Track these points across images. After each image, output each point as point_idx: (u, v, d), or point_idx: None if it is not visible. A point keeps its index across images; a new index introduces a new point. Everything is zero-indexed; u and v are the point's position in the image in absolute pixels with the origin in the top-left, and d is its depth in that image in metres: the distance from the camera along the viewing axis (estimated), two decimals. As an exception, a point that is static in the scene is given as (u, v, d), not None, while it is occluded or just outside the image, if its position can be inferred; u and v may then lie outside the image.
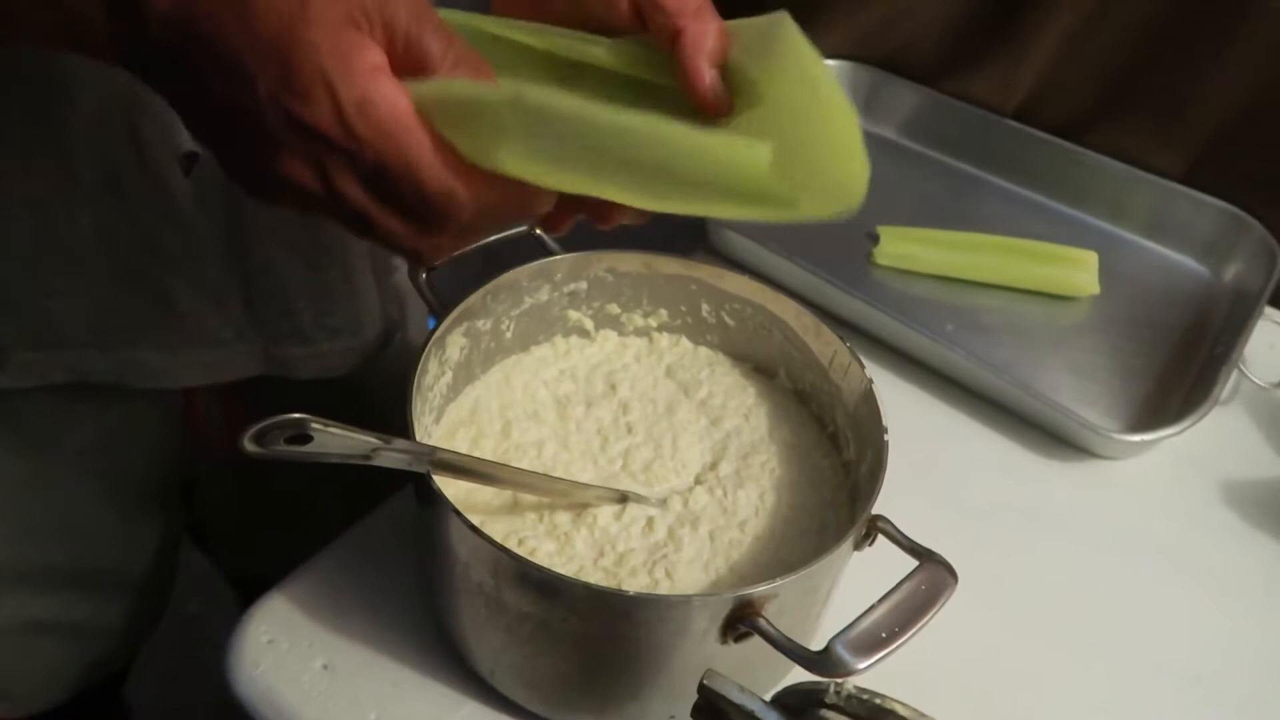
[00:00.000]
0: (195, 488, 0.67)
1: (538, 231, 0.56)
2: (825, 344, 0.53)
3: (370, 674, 0.50)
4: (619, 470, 0.53)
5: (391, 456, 0.40)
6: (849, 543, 0.43)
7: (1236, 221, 0.78)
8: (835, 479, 0.53)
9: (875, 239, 0.78)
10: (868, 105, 0.91)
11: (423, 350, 0.48)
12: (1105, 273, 0.76)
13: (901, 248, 0.77)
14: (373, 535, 0.55)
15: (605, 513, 0.50)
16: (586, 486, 0.50)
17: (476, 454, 0.52)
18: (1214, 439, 0.65)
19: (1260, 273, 0.74)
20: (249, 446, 0.35)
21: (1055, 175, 0.85)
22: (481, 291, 0.53)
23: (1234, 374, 0.66)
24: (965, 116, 0.88)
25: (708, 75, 0.35)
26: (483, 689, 0.49)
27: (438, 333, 0.50)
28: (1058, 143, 0.84)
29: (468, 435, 0.53)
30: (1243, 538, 0.61)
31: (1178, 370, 0.71)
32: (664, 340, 0.60)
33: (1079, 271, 0.75)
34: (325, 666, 0.50)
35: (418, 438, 0.45)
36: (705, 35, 0.35)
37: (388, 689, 0.49)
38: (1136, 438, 0.61)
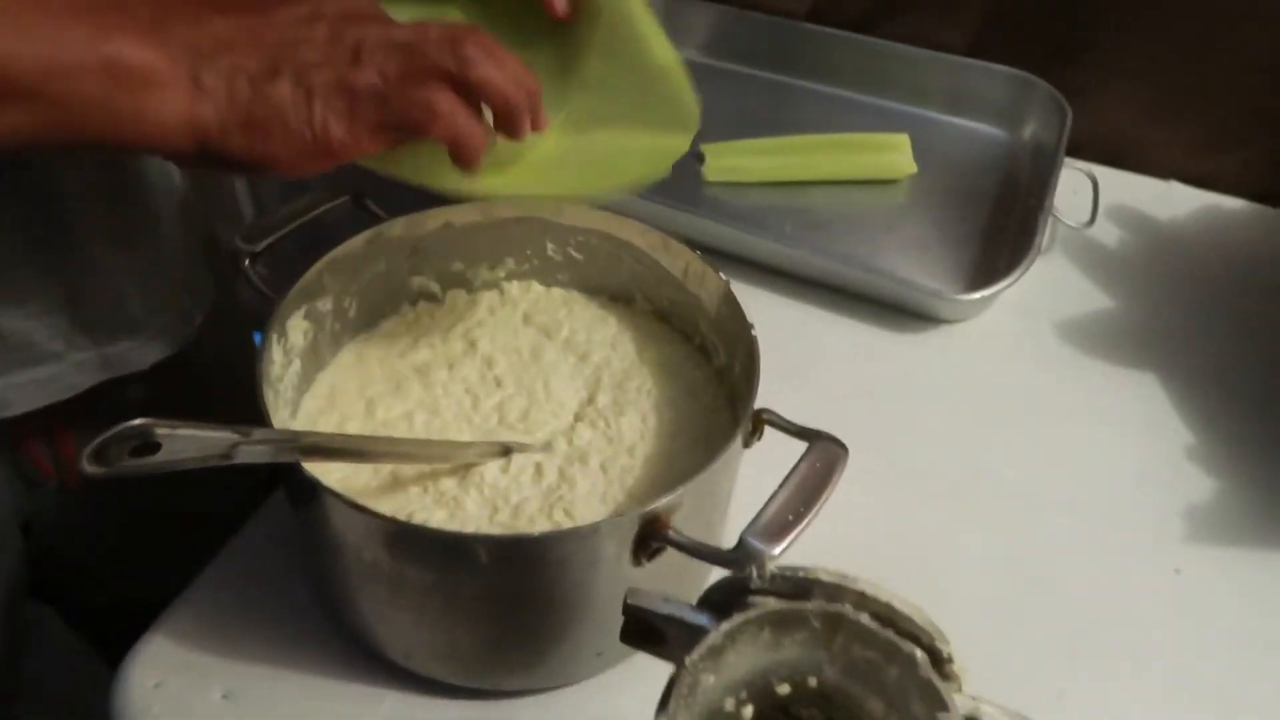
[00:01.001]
0: (32, 530, 0.61)
1: (363, 200, 0.53)
2: (675, 257, 0.53)
3: (278, 691, 0.47)
4: (496, 425, 0.51)
5: (254, 450, 0.37)
6: (738, 440, 0.43)
7: (1024, 83, 0.82)
8: (711, 387, 0.53)
9: (702, 158, 0.79)
10: (667, 30, 0.91)
11: (264, 338, 0.45)
12: (918, 152, 0.79)
13: (728, 161, 0.78)
14: (250, 548, 0.52)
15: (491, 469, 0.48)
16: (466, 444, 0.48)
17: (344, 439, 0.50)
18: (1042, 285, 0.69)
19: (1053, 127, 0.79)
20: (90, 467, 0.31)
21: (856, 69, 0.87)
22: (316, 268, 0.49)
23: (1049, 222, 0.70)
24: (763, 26, 0.89)
25: None
26: (401, 677, 0.47)
27: (276, 317, 0.46)
28: (853, 37, 0.87)
29: (330, 423, 0.50)
30: (1081, 369, 0.65)
31: (999, 229, 0.75)
32: (515, 288, 0.58)
33: (895, 154, 0.78)
34: (225, 696, 0.47)
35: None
36: None
37: (300, 702, 0.47)
38: (976, 295, 0.65)
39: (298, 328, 0.49)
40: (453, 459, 0.47)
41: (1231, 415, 0.62)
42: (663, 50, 0.52)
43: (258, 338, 0.46)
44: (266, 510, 0.53)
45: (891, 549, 0.53)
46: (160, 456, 0.33)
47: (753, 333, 0.47)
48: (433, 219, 0.54)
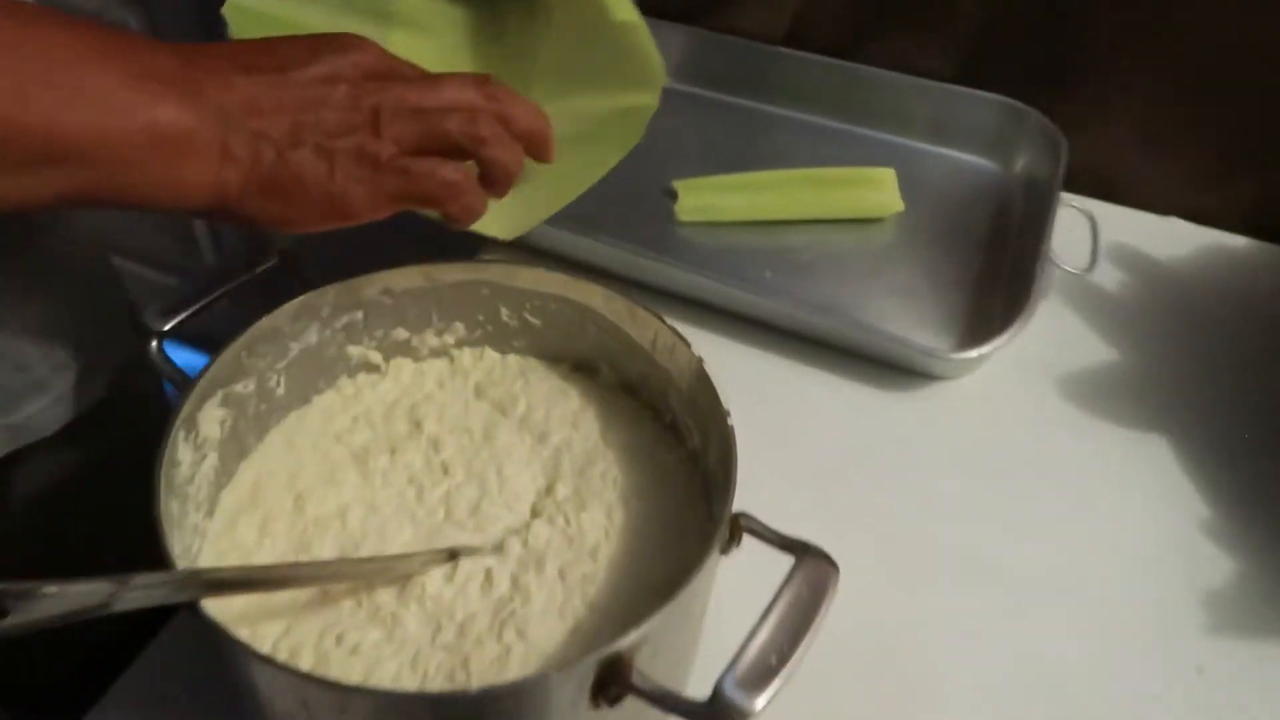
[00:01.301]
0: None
1: (293, 262, 0.47)
2: (643, 326, 0.48)
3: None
4: (442, 520, 0.46)
5: (138, 597, 0.31)
6: (714, 554, 0.38)
7: (1015, 113, 0.77)
8: (684, 473, 0.48)
9: (674, 195, 0.73)
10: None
11: (166, 439, 0.39)
12: (904, 185, 0.74)
13: (702, 199, 0.73)
14: (144, 686, 0.45)
15: (434, 577, 0.42)
16: (404, 557, 0.42)
17: (268, 541, 0.44)
18: (1042, 335, 0.64)
19: (1047, 160, 0.74)
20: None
21: (836, 96, 0.82)
22: (233, 349, 0.43)
23: (1046, 266, 0.65)
24: (737, 50, 0.84)
25: None
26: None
27: (183, 413, 0.40)
28: (833, 63, 0.81)
29: (253, 522, 0.44)
30: (1085, 430, 0.60)
31: (992, 272, 0.70)
32: (466, 357, 0.53)
33: (879, 191, 0.73)
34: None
35: (178, 549, 0.36)
36: None
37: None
38: (971, 353, 0.60)
39: (212, 418, 0.43)
40: (390, 572, 0.42)
41: (1249, 482, 0.57)
42: (622, 7, 0.51)
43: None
44: (164, 637, 0.47)
45: (880, 636, 0.48)
46: (11, 620, 0.27)
47: (729, 422, 0.42)
48: (368, 285, 0.48)
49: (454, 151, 0.40)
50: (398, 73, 0.40)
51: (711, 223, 0.73)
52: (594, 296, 0.49)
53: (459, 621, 0.41)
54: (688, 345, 0.45)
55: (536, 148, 0.43)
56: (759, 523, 0.39)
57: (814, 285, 0.69)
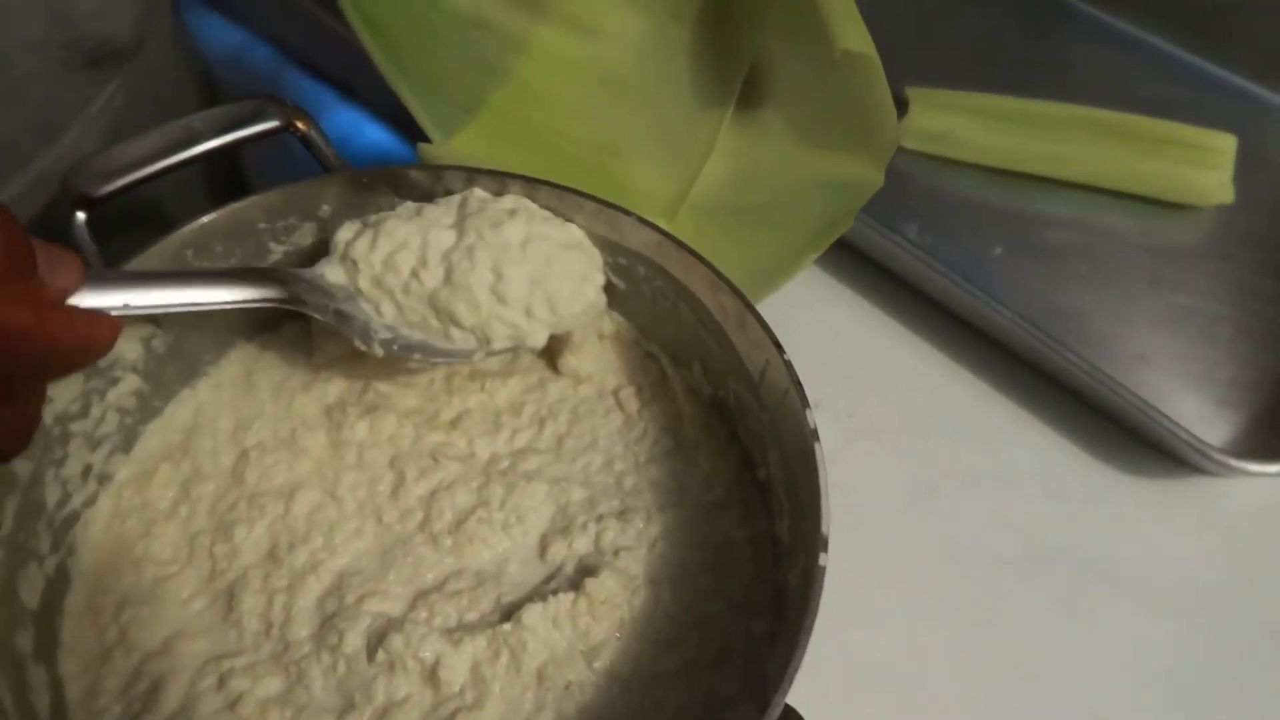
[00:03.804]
0: None
1: (298, 127, 0.34)
2: (754, 346, 0.31)
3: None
4: (414, 531, 0.33)
5: None
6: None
7: None
8: (753, 565, 0.32)
9: (902, 105, 0.53)
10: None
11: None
12: (1243, 167, 0.50)
13: (940, 121, 0.53)
14: None
15: (359, 631, 0.30)
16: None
17: (184, 509, 0.33)
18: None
19: None
20: None
21: (1183, 6, 0.57)
22: (175, 239, 0.31)
23: None
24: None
25: None
26: None
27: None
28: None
29: (175, 476, 0.34)
30: None
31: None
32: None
33: (1206, 167, 0.50)
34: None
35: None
36: None
37: None
38: (1271, 469, 0.39)
39: (131, 333, 0.31)
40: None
41: None
42: (851, 33, 0.36)
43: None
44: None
45: None
46: None
47: (822, 559, 0.26)
48: (399, 178, 0.34)
49: None
50: None
51: (941, 158, 0.53)
52: (697, 278, 0.32)
53: (378, 706, 0.29)
54: (805, 404, 0.29)
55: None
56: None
57: (1059, 282, 0.48)
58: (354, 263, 0.32)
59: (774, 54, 0.39)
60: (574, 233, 0.34)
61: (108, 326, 0.25)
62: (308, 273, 0.32)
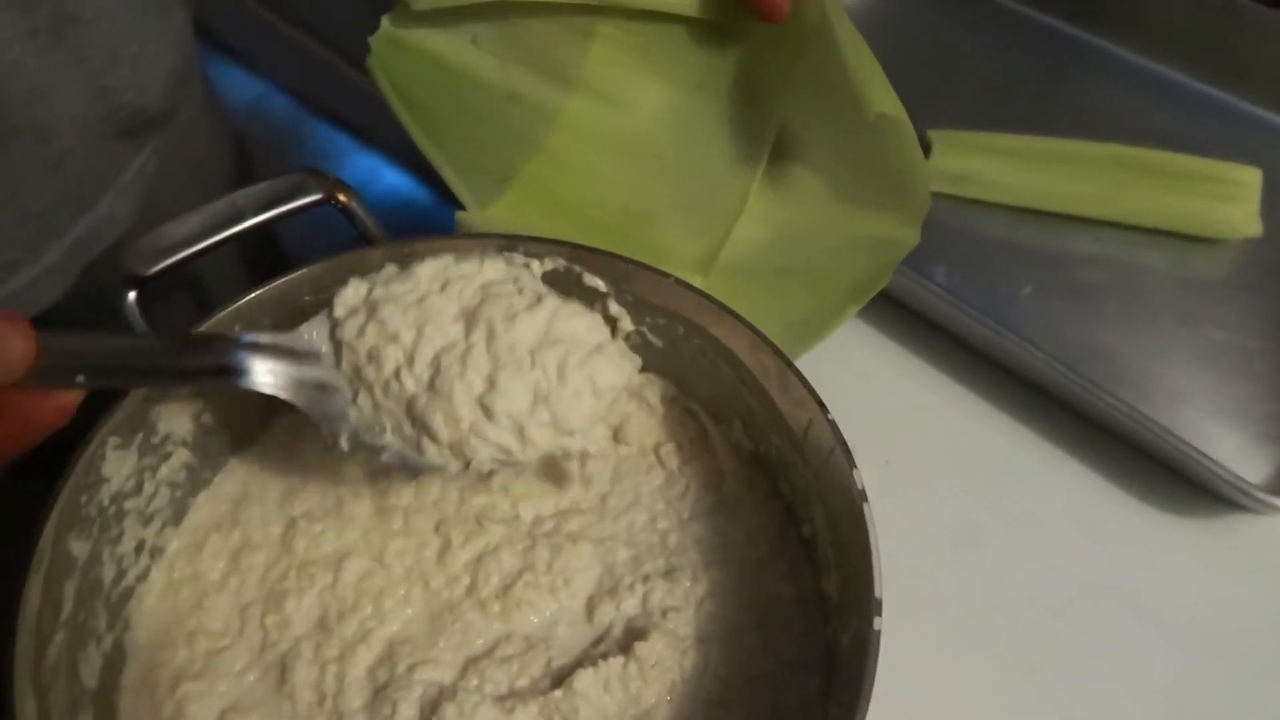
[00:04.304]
0: None
1: (339, 199, 0.35)
2: (797, 405, 0.32)
3: None
4: (461, 596, 0.33)
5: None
6: None
7: None
8: (802, 622, 0.32)
9: (925, 149, 0.54)
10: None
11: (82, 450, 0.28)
12: (1269, 200, 0.50)
13: (964, 164, 0.53)
14: None
15: (413, 700, 0.30)
16: None
17: (235, 579, 0.33)
18: None
19: None
20: None
21: (1199, 38, 0.58)
22: (224, 317, 0.32)
23: None
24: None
25: None
26: None
27: (119, 413, 0.29)
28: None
29: (225, 546, 0.34)
30: None
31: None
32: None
33: (1232, 201, 0.50)
34: None
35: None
36: None
37: None
38: (1315, 507, 0.39)
39: (180, 412, 0.32)
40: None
41: None
42: (882, 96, 0.36)
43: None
44: None
45: None
46: None
47: (876, 624, 0.26)
48: (435, 249, 0.34)
49: None
50: None
51: (967, 199, 0.53)
52: (737, 338, 0.33)
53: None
54: (850, 463, 0.29)
55: None
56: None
57: (1091, 320, 0.48)
58: (340, 343, 0.31)
59: (804, 117, 0.40)
60: (603, 331, 0.32)
61: (60, 410, 0.25)
62: (284, 338, 0.30)
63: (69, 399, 0.25)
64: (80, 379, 0.25)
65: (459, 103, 0.38)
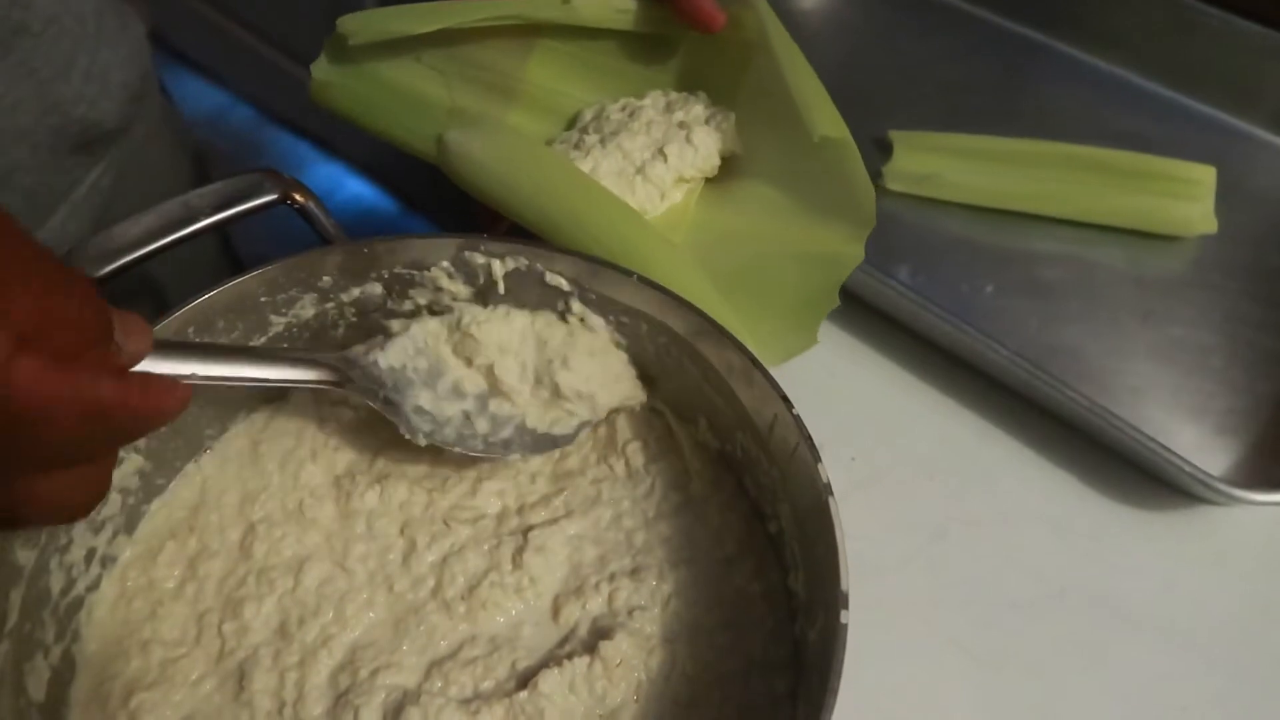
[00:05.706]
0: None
1: (295, 199, 0.34)
2: (761, 400, 0.31)
3: None
4: (426, 599, 0.33)
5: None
6: None
7: None
8: (773, 618, 0.32)
9: (886, 149, 0.54)
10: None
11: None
12: (1224, 197, 0.51)
13: (924, 164, 0.53)
14: None
15: (375, 708, 0.30)
16: None
17: (191, 587, 0.32)
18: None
19: None
20: None
21: (1153, 41, 0.58)
22: (179, 317, 0.31)
23: None
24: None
25: None
26: None
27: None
28: (1160, -8, 0.57)
29: (181, 553, 0.33)
30: None
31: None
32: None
33: (1187, 199, 0.51)
34: None
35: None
36: None
37: None
38: (1275, 497, 0.39)
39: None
40: None
41: None
42: (827, 120, 0.37)
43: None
44: None
45: None
46: None
47: (843, 617, 0.26)
48: (398, 251, 0.34)
49: None
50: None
51: (928, 199, 0.53)
52: (702, 335, 0.32)
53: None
54: (815, 457, 0.29)
55: None
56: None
57: (1052, 317, 0.49)
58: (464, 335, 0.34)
59: (750, 130, 0.40)
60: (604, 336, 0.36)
61: (179, 396, 0.25)
62: (362, 358, 0.33)
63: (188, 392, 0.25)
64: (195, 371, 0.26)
65: (400, 122, 0.39)
